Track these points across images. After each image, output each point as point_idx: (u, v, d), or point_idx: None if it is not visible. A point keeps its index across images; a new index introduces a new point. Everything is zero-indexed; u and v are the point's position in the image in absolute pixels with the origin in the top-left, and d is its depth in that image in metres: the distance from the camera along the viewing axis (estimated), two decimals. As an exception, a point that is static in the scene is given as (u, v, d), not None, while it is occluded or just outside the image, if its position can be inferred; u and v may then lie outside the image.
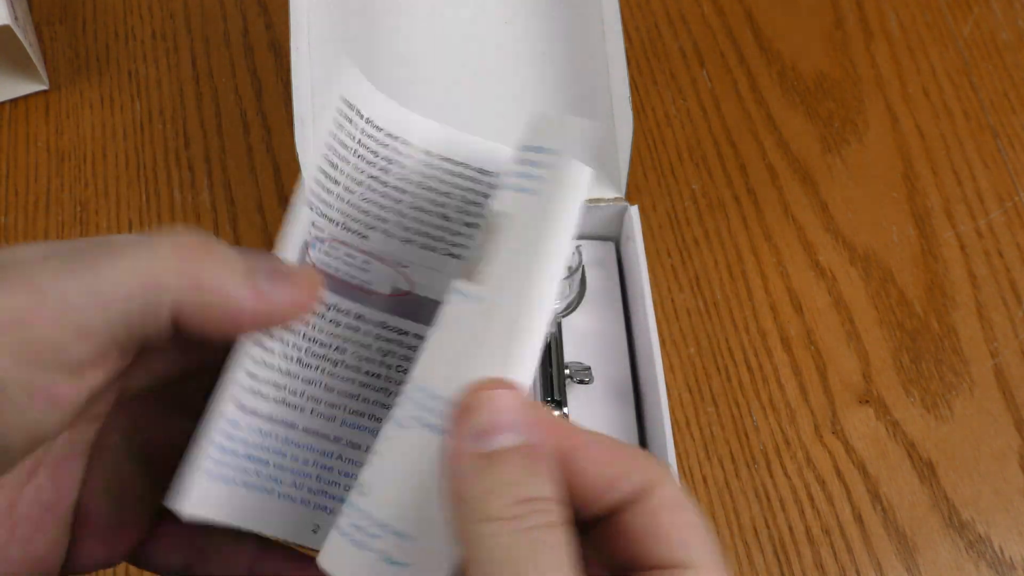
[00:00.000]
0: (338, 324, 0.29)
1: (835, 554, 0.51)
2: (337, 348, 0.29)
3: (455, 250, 0.30)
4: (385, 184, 0.30)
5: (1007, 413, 0.54)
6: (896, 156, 0.61)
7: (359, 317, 0.30)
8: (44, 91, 0.64)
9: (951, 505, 0.52)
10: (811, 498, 0.53)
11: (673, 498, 0.24)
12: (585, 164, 0.26)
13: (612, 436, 0.25)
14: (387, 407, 0.29)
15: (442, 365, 0.25)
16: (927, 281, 0.58)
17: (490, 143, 0.31)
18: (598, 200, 0.54)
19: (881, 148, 0.62)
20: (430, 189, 0.31)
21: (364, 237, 0.30)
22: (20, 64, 0.63)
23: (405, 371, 0.29)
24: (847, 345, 0.56)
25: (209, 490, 0.27)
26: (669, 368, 0.55)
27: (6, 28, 0.57)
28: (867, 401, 0.55)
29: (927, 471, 0.53)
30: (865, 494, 0.53)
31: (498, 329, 0.25)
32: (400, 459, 0.25)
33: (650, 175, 0.61)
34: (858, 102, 0.63)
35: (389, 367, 0.30)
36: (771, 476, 0.53)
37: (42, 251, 0.25)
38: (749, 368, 0.56)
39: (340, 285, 0.30)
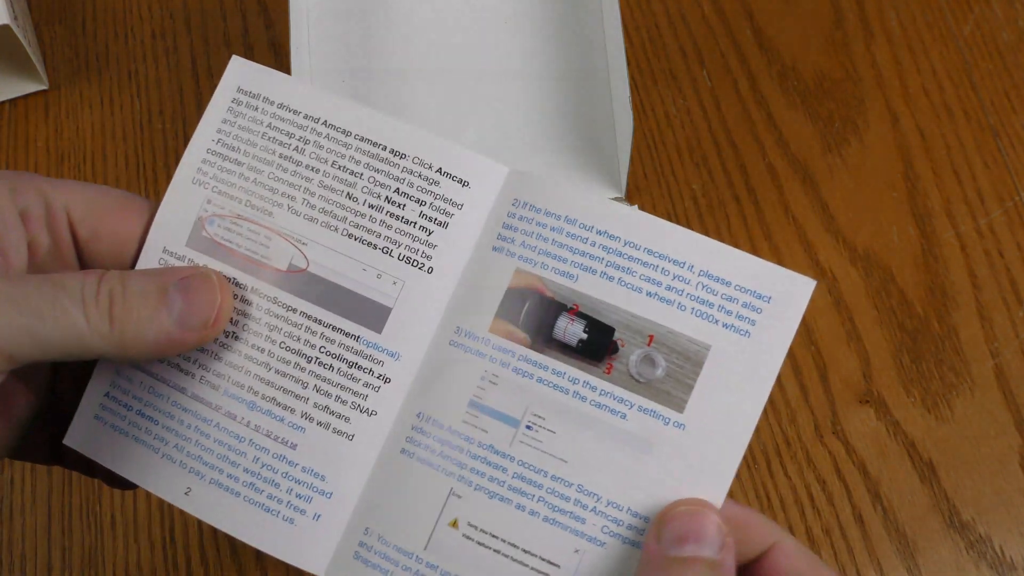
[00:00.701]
0: (234, 297, 0.31)
1: (835, 554, 0.51)
2: (231, 321, 0.31)
3: (355, 231, 0.31)
4: (298, 164, 0.32)
5: (1007, 413, 0.54)
6: (896, 156, 0.61)
7: (254, 291, 0.31)
8: (44, 91, 0.64)
9: (951, 505, 0.52)
10: (811, 498, 0.53)
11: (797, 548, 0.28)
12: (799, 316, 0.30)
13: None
14: (268, 383, 0.31)
15: (645, 485, 0.28)
16: (927, 281, 0.58)
17: (408, 126, 0.32)
18: (598, 200, 0.54)
19: (881, 148, 0.62)
20: (342, 168, 0.32)
21: (268, 214, 0.31)
22: (20, 64, 0.63)
23: (288, 348, 0.31)
24: (847, 345, 0.56)
25: (99, 433, 0.31)
26: (669, 368, 0.55)
27: (6, 28, 0.57)
28: (867, 401, 0.55)
29: (927, 471, 0.53)
30: (865, 494, 0.53)
31: (704, 464, 0.28)
32: (602, 573, 0.28)
33: (650, 175, 0.61)
34: (858, 102, 0.63)
35: (273, 342, 0.31)
36: (771, 476, 0.53)
37: None
38: (749, 368, 0.55)
39: (239, 259, 0.31)
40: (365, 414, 0.30)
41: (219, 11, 0.66)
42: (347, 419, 0.30)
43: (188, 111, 0.63)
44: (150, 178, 0.61)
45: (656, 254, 0.29)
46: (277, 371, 0.31)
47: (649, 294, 0.29)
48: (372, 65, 0.57)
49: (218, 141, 0.33)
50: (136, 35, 0.66)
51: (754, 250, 0.59)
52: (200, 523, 0.31)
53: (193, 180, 0.32)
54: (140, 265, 0.32)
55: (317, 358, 0.30)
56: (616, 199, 0.54)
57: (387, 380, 0.30)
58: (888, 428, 0.54)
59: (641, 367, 0.29)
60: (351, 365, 0.30)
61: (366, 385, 0.30)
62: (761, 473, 0.53)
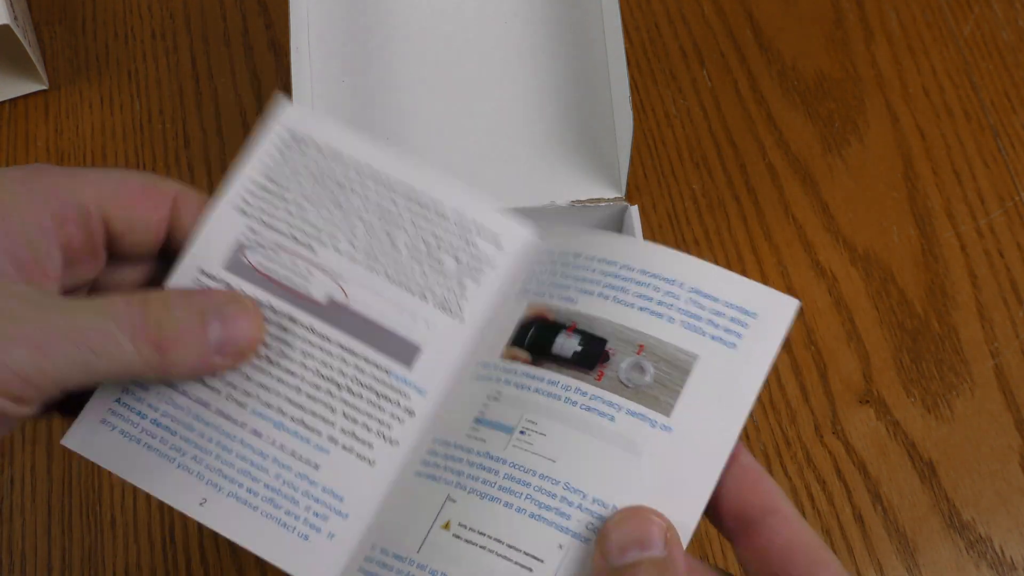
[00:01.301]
0: (268, 322, 0.32)
1: (835, 554, 0.51)
2: (263, 343, 0.32)
3: (395, 276, 0.33)
4: (344, 209, 0.34)
5: (1008, 413, 0.54)
6: (896, 156, 0.61)
7: (291, 319, 0.32)
8: (44, 91, 0.64)
9: (952, 505, 0.52)
10: (812, 498, 0.53)
11: (795, 516, 0.28)
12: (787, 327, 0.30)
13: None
14: (297, 405, 0.32)
15: (631, 485, 0.29)
16: (927, 281, 0.58)
17: (453, 181, 0.34)
18: (598, 200, 0.54)
19: (881, 148, 0.62)
20: (387, 219, 0.33)
21: (311, 249, 0.33)
22: (20, 64, 0.63)
23: (320, 374, 0.32)
24: (847, 345, 0.56)
25: (105, 438, 0.31)
26: (669, 368, 0.55)
27: (6, 28, 0.57)
28: (867, 401, 0.55)
29: (928, 471, 0.53)
30: (865, 494, 0.53)
31: (688, 468, 0.29)
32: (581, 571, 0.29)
33: (650, 175, 0.61)
34: (858, 102, 0.63)
35: (306, 368, 0.32)
36: (771, 476, 0.53)
37: (33, 304, 0.28)
38: (749, 368, 0.55)
39: (278, 287, 0.33)
40: (388, 442, 0.32)
41: (219, 11, 0.66)
42: (370, 446, 0.31)
43: (188, 111, 0.63)
44: (150, 178, 0.61)
45: (649, 274, 0.31)
46: (308, 395, 0.32)
47: (641, 308, 0.31)
48: (372, 65, 0.57)
49: (265, 176, 0.35)
50: (136, 35, 0.66)
51: (754, 250, 0.59)
52: (201, 524, 0.31)
53: (237, 208, 0.34)
54: (174, 282, 0.33)
55: (348, 386, 0.32)
56: (616, 199, 0.54)
57: (411, 413, 0.32)
58: (888, 428, 0.54)
59: (630, 373, 0.30)
60: (379, 396, 0.32)
61: (392, 416, 0.32)
62: (761, 473, 0.53)
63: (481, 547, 0.29)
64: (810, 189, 0.60)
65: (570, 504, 0.29)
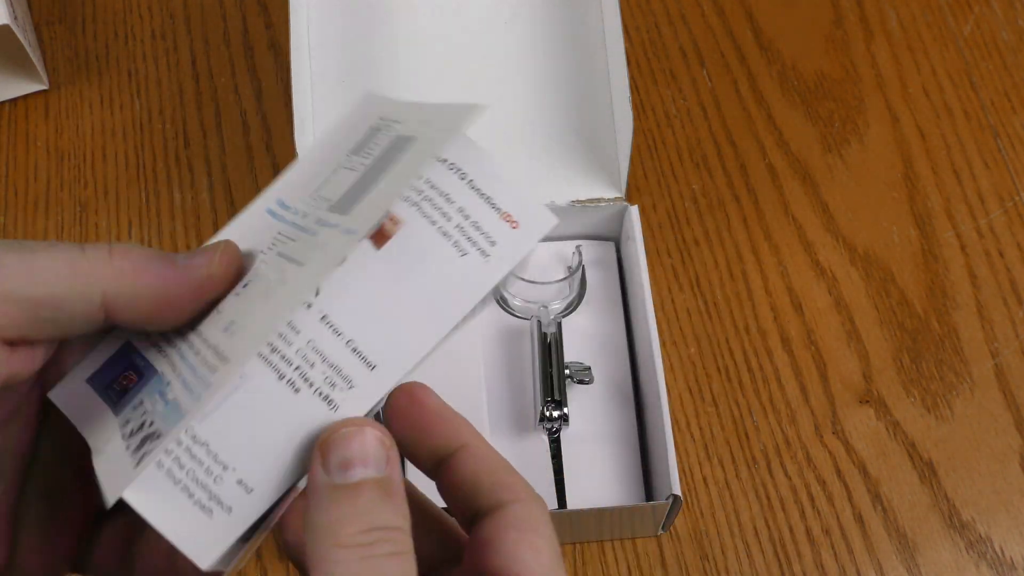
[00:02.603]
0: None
1: (835, 554, 0.51)
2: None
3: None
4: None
5: (1007, 413, 0.54)
6: (896, 156, 0.61)
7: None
8: (44, 91, 0.64)
9: (951, 505, 0.52)
10: (811, 498, 0.53)
11: (524, 518, 0.27)
12: None
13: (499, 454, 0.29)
14: None
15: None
16: (927, 281, 0.58)
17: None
18: (598, 200, 0.54)
19: (881, 148, 0.62)
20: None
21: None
22: (20, 64, 0.63)
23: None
24: (847, 345, 0.56)
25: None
26: (669, 368, 0.55)
27: (6, 28, 0.57)
28: (867, 401, 0.55)
29: (927, 471, 0.53)
30: (865, 494, 0.53)
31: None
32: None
33: (650, 175, 0.61)
34: (858, 102, 0.63)
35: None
36: (771, 476, 0.53)
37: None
38: (749, 368, 0.55)
39: None
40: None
41: (219, 11, 0.66)
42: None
43: (188, 111, 0.63)
44: (150, 178, 0.61)
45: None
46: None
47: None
48: (372, 65, 0.57)
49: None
50: (136, 35, 0.66)
51: (754, 250, 0.59)
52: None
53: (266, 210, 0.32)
54: None
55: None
56: (616, 199, 0.54)
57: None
58: (888, 428, 0.54)
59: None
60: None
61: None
62: (761, 473, 0.53)
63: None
64: (810, 189, 0.60)
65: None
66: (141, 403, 0.28)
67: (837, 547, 0.51)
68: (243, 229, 0.31)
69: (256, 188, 0.61)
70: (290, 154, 0.56)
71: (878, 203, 0.60)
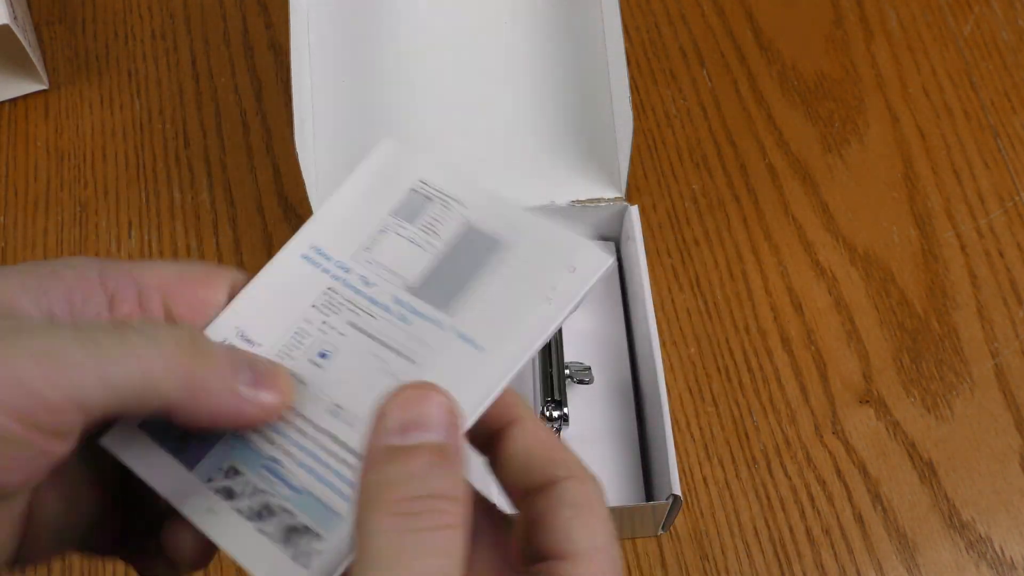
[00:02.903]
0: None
1: (835, 554, 0.51)
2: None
3: None
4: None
5: (1007, 413, 0.54)
6: (896, 156, 0.61)
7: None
8: (44, 91, 0.64)
9: (951, 505, 0.52)
10: (811, 498, 0.52)
11: (578, 495, 0.26)
12: None
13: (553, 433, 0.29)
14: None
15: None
16: (927, 281, 0.58)
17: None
18: (598, 200, 0.54)
19: (881, 148, 0.62)
20: None
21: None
22: (20, 64, 0.63)
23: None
24: (847, 345, 0.56)
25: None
26: (669, 368, 0.55)
27: (6, 28, 0.57)
28: (867, 401, 0.55)
29: (927, 471, 0.53)
30: (865, 494, 0.52)
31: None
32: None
33: (650, 175, 0.61)
34: (858, 102, 0.63)
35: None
36: (771, 476, 0.53)
37: (49, 323, 0.26)
38: (749, 368, 0.55)
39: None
40: None
41: (219, 11, 0.66)
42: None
43: (188, 111, 0.63)
44: (150, 178, 0.61)
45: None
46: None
47: None
48: (372, 65, 0.57)
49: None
50: (136, 35, 0.66)
51: (754, 250, 0.59)
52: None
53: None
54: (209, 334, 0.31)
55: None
56: (616, 199, 0.54)
57: None
58: (888, 428, 0.54)
59: None
60: None
61: None
62: (761, 473, 0.53)
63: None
64: (810, 189, 0.60)
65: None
66: (236, 471, 0.29)
67: (837, 547, 0.51)
68: (278, 275, 0.31)
69: (256, 188, 0.61)
70: (290, 154, 0.56)
71: (878, 203, 0.60)
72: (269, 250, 0.59)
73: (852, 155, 0.61)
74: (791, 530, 0.52)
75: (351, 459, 0.28)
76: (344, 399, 0.29)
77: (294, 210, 0.60)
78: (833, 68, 0.64)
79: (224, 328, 0.30)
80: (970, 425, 0.54)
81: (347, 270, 0.31)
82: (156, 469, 0.29)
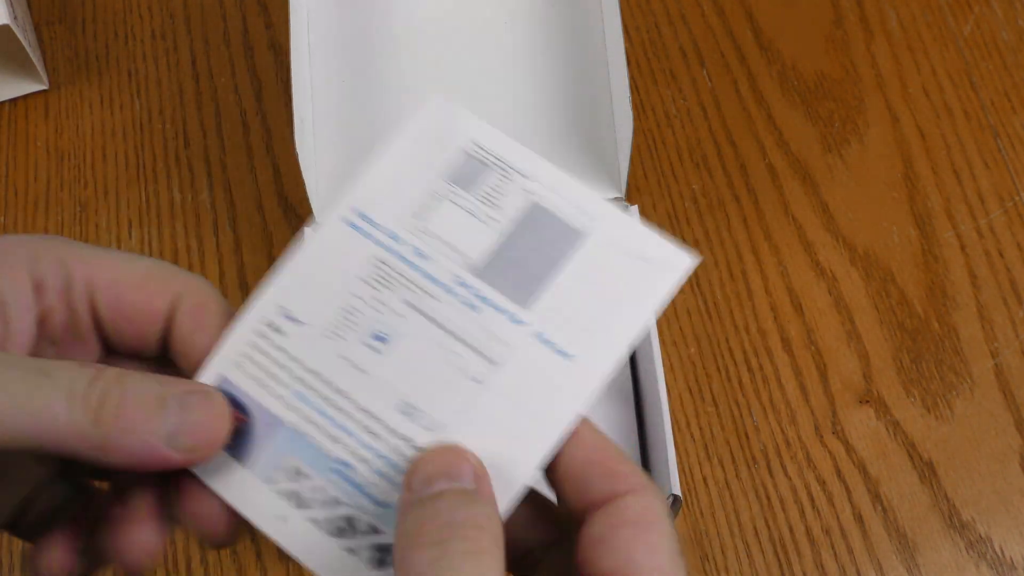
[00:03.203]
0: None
1: (835, 554, 0.51)
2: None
3: None
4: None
5: (1007, 413, 0.54)
6: (896, 156, 0.61)
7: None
8: (44, 91, 0.64)
9: (951, 505, 0.52)
10: (811, 498, 0.53)
11: (640, 512, 0.25)
12: None
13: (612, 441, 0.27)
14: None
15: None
16: (927, 281, 0.58)
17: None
18: (598, 200, 0.54)
19: (881, 148, 0.62)
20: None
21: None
22: (20, 64, 0.63)
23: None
24: (847, 345, 0.56)
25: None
26: (669, 368, 0.55)
27: (6, 28, 0.57)
28: (867, 401, 0.55)
29: (927, 471, 0.53)
30: (865, 494, 0.53)
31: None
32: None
33: (650, 175, 0.61)
34: (858, 102, 0.63)
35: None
36: (771, 476, 0.53)
37: None
38: (749, 368, 0.56)
39: None
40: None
41: (219, 11, 0.66)
42: None
43: (188, 111, 0.63)
44: (150, 178, 0.61)
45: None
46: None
47: None
48: (372, 65, 0.57)
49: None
50: (136, 35, 0.66)
51: (754, 250, 0.59)
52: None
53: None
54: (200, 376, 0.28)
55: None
56: (616, 199, 0.54)
57: None
58: (888, 428, 0.54)
59: None
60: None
61: None
62: (761, 473, 0.53)
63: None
64: (810, 189, 0.60)
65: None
66: (301, 473, 0.26)
67: (837, 547, 0.51)
68: (323, 246, 0.28)
69: (256, 188, 0.61)
70: (290, 154, 0.56)
71: (878, 203, 0.60)
72: (269, 250, 0.59)
73: (852, 155, 0.61)
74: (791, 530, 0.52)
75: None
76: (418, 398, 0.26)
77: (294, 210, 0.60)
78: (833, 68, 0.64)
79: (266, 308, 0.28)
80: (970, 425, 0.54)
81: (397, 239, 0.28)
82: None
